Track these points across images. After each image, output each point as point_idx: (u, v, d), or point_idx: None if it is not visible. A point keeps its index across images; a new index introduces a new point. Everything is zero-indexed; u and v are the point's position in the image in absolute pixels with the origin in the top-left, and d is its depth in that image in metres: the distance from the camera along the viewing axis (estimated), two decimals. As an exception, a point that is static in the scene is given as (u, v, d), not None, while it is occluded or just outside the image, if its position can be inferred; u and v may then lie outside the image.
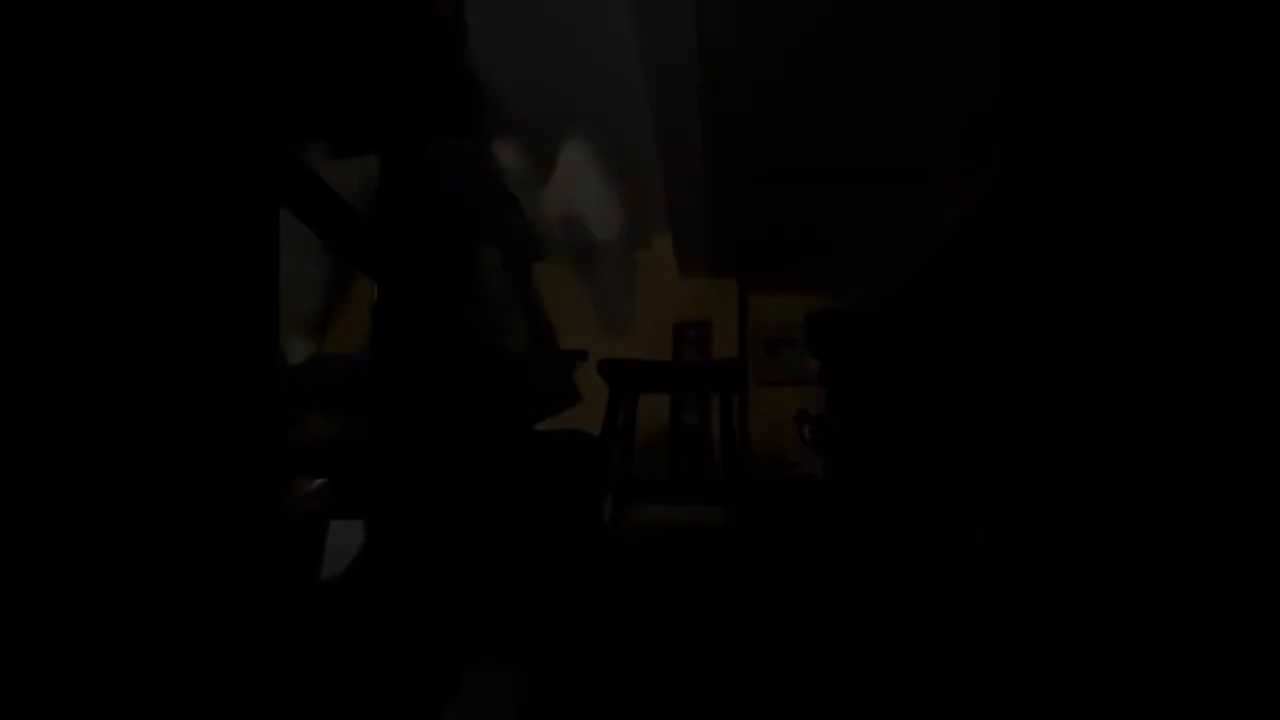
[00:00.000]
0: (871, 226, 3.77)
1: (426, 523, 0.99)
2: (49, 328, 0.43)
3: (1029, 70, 0.56)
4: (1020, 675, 0.63)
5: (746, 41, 2.30)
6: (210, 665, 0.49)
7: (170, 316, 0.48)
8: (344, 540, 1.45)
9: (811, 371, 4.86)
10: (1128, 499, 0.47)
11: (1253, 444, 0.41)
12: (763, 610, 1.54)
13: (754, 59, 2.39)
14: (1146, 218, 0.48)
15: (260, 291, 0.54)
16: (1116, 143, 0.51)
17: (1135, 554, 0.46)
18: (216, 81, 0.53)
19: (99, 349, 0.45)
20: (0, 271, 0.42)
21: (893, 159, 3.05)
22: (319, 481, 1.35)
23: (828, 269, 4.50)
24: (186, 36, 0.52)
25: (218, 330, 0.51)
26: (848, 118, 2.74)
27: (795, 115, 2.73)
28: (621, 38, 2.38)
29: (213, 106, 0.52)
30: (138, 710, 0.45)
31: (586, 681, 1.09)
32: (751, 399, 4.93)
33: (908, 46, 2.32)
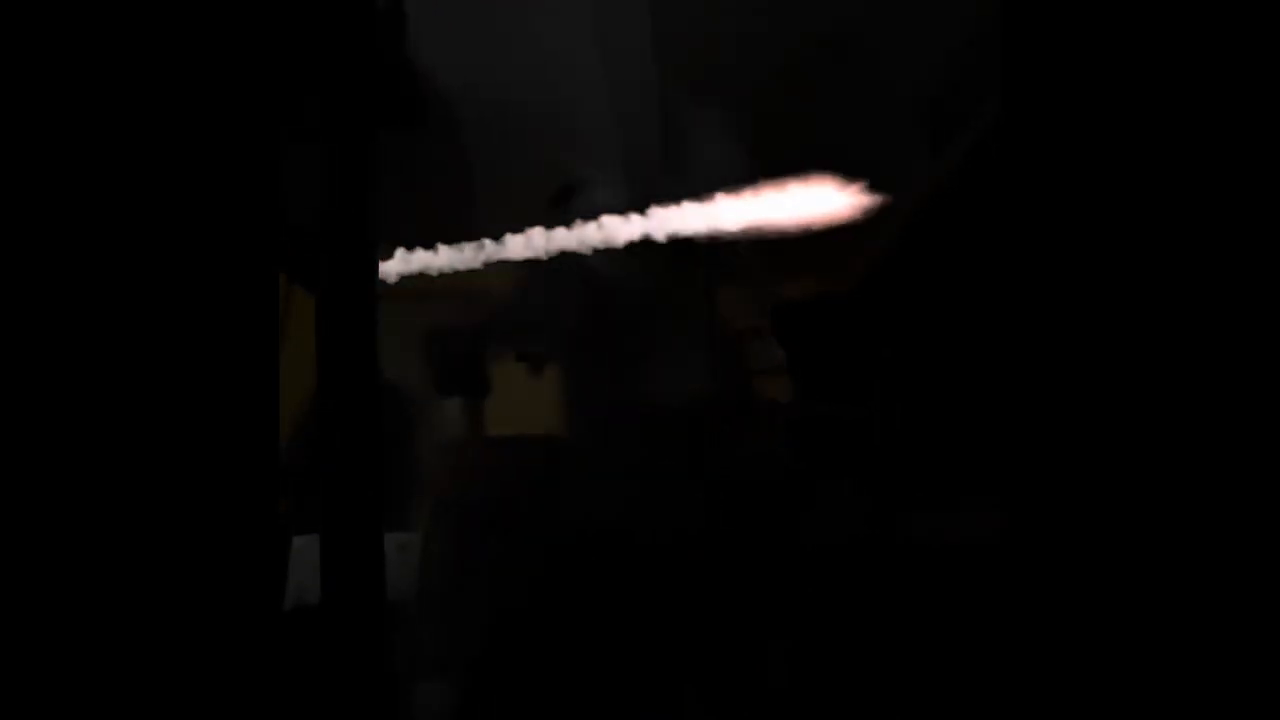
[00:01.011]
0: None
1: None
2: (50, 333, 0.43)
3: (1023, 47, 0.55)
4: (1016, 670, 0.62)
5: (706, 27, 2.28)
6: (212, 672, 0.49)
7: (170, 325, 0.48)
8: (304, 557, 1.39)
9: (779, 361, 4.89)
10: (1130, 484, 0.46)
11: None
12: (736, 605, 1.53)
13: (710, 34, 2.37)
14: (1132, 195, 0.47)
15: (260, 301, 0.53)
16: (1097, 126, 0.49)
17: (1140, 542, 0.45)
18: (210, 78, 0.52)
19: (98, 356, 0.45)
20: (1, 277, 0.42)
21: (853, 142, 3.06)
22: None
23: (789, 254, 4.51)
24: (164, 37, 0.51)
25: (218, 340, 0.51)
26: (808, 101, 2.74)
27: (753, 99, 2.72)
28: (578, 31, 2.34)
29: (211, 105, 0.52)
30: (136, 714, 0.45)
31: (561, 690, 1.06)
32: (719, 389, 4.94)
33: (868, 31, 2.32)
